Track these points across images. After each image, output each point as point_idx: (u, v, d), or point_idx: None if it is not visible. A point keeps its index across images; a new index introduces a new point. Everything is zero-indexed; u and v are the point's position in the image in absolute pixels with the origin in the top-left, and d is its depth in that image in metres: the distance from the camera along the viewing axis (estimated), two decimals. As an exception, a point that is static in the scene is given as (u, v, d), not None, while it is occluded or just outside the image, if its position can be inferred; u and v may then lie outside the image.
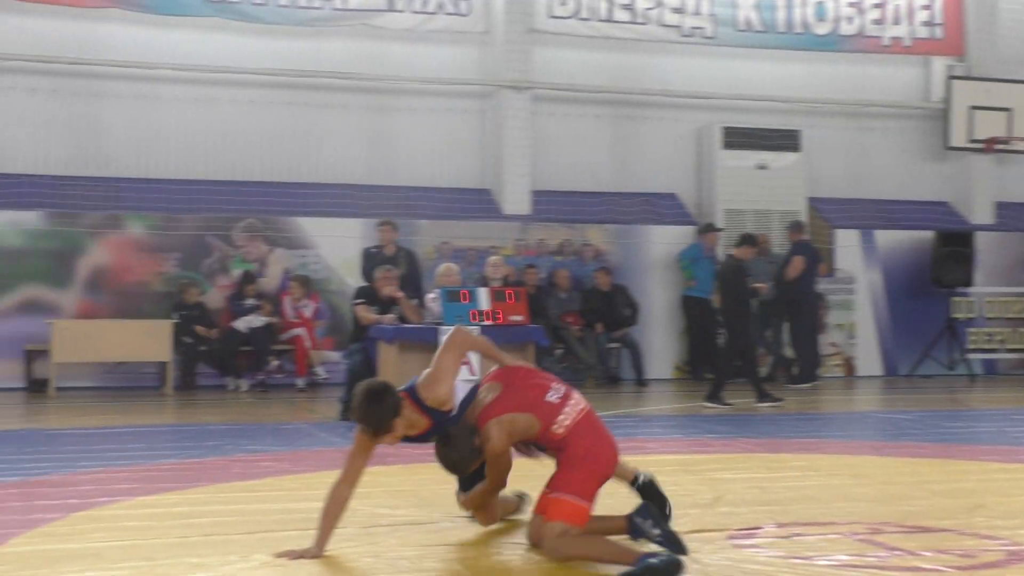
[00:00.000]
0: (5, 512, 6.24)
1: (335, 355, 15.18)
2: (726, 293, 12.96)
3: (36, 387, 14.12)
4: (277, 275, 15.41)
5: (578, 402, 5.52)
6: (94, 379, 14.49)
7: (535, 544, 5.29)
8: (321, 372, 14.85)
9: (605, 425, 5.60)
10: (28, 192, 14.90)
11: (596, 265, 16.24)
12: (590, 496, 5.31)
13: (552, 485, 5.32)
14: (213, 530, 5.83)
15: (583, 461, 5.34)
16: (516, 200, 16.75)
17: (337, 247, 15.45)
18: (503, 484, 5.69)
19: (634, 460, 8.31)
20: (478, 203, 16.77)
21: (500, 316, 11.12)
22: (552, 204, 16.99)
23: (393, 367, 10.94)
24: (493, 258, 12.77)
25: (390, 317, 11.29)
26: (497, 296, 11.25)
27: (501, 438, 5.35)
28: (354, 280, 14.55)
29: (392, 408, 5.42)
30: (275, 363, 14.77)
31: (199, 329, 14.45)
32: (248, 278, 14.92)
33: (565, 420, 5.40)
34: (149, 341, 14.04)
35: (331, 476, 7.48)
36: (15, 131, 15.28)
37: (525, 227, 16.52)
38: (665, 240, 16.78)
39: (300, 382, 14.65)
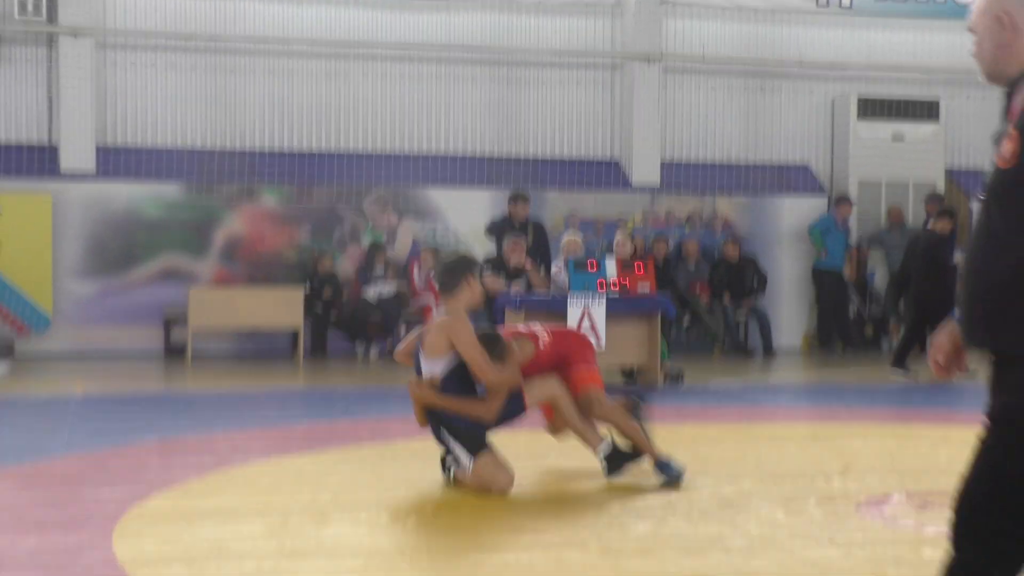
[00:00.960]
0: (145, 470, 6.46)
1: (463, 325, 15.30)
2: (924, 267, 12.50)
3: (174, 352, 14.53)
4: (406, 245, 15.58)
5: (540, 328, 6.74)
6: (229, 345, 14.85)
7: (585, 411, 6.36)
8: (449, 341, 14.98)
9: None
10: (168, 165, 15.29)
11: (725, 236, 16.09)
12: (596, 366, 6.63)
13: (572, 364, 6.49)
14: (343, 491, 5.95)
15: (581, 343, 6.73)
16: (645, 171, 16.65)
17: (465, 217, 15.56)
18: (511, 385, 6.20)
19: (761, 429, 8.26)
20: (607, 174, 16.72)
21: (628, 286, 11.10)
22: (682, 175, 16.86)
23: (520, 336, 11.01)
24: (619, 236, 12.60)
25: (517, 287, 11.33)
26: (625, 266, 11.23)
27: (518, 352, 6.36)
28: (482, 250, 14.65)
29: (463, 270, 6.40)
30: (404, 331, 14.94)
31: (331, 300, 14.69)
32: (378, 248, 15.11)
33: (542, 337, 6.57)
34: (282, 309, 14.33)
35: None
36: (156, 106, 15.68)
37: (654, 198, 16.42)
38: (796, 212, 16.54)
39: (429, 351, 14.80)
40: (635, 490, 6.04)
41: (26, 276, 14.35)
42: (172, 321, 14.66)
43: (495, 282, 11.53)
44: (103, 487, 5.96)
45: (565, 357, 6.53)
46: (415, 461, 6.81)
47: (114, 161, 15.16)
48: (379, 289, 14.85)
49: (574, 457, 7.03)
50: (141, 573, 4.37)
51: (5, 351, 12.89)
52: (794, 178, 17.17)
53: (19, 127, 15.25)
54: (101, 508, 5.46)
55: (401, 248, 15.55)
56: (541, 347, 6.49)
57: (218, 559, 4.56)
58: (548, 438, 6.91)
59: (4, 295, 14.23)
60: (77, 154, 14.92)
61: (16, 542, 4.82)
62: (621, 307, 11.03)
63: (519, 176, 16.15)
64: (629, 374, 11.73)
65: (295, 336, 14.51)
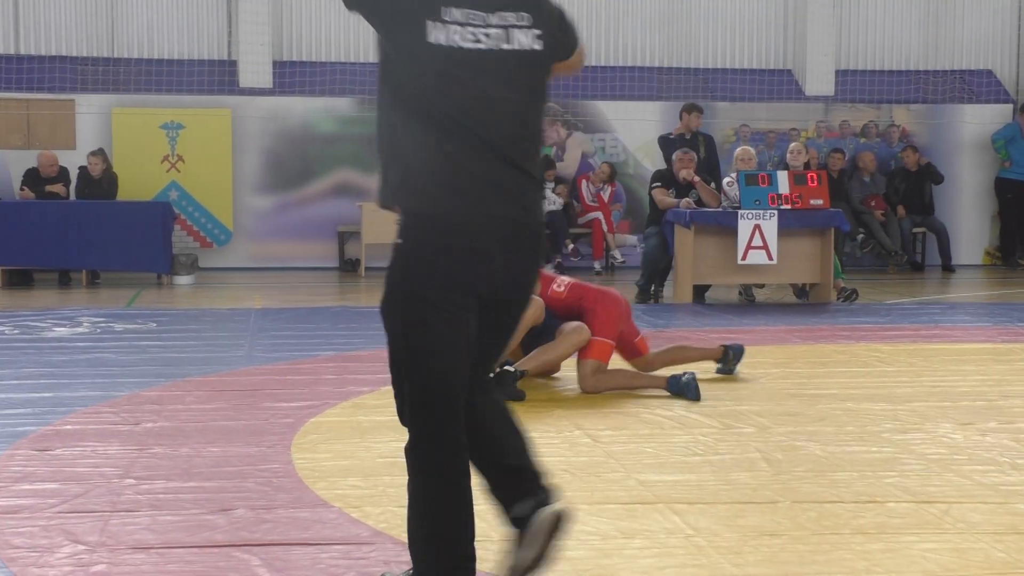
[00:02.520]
0: (322, 384, 6.64)
1: (632, 239, 15.26)
2: None
3: (348, 267, 14.85)
4: (575, 159, 15.53)
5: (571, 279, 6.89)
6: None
7: (581, 384, 6.46)
8: (618, 256, 14.95)
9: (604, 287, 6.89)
10: (341, 79, 15.51)
11: (902, 147, 15.60)
12: (612, 335, 6.56)
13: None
14: (516, 404, 6.02)
15: (599, 306, 6.60)
16: (819, 80, 16.21)
17: (635, 130, 15.42)
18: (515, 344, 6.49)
19: (939, 349, 8.05)
20: (779, 84, 16.33)
21: (800, 200, 10.87)
22: (857, 84, 16.36)
23: (689, 251, 10.92)
24: (794, 144, 12.39)
25: (687, 201, 11.21)
26: (797, 180, 10.99)
27: None
28: (652, 164, 14.51)
29: None
30: (571, 246, 14.95)
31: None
32: (548, 163, 15.10)
33: (562, 280, 6.77)
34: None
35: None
36: (330, 20, 15.88)
37: (828, 108, 15.99)
38: (979, 120, 15.92)
39: (597, 265, 14.81)
40: (804, 414, 5.97)
41: (208, 191, 14.80)
42: (346, 236, 14.96)
43: (665, 196, 11.41)
44: (281, 400, 6.16)
45: (579, 313, 6.61)
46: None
47: (289, 76, 15.45)
48: (547, 203, 14.86)
49: (733, 379, 7.00)
50: (319, 485, 4.51)
51: (190, 265, 13.37)
52: (977, 84, 16.51)
53: (200, 44, 15.62)
54: (280, 420, 5.65)
55: (570, 162, 15.51)
56: (551, 292, 6.67)
57: (392, 473, 4.67)
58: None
59: (188, 211, 14.71)
60: (255, 70, 15.24)
61: (201, 451, 5.03)
62: (793, 222, 10.82)
63: (689, 87, 15.89)
64: (801, 291, 11.53)
65: (465, 250, 14.63)
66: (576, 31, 3.52)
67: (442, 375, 3.31)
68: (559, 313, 6.66)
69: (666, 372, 6.61)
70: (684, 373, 6.45)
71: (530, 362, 6.53)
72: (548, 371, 6.83)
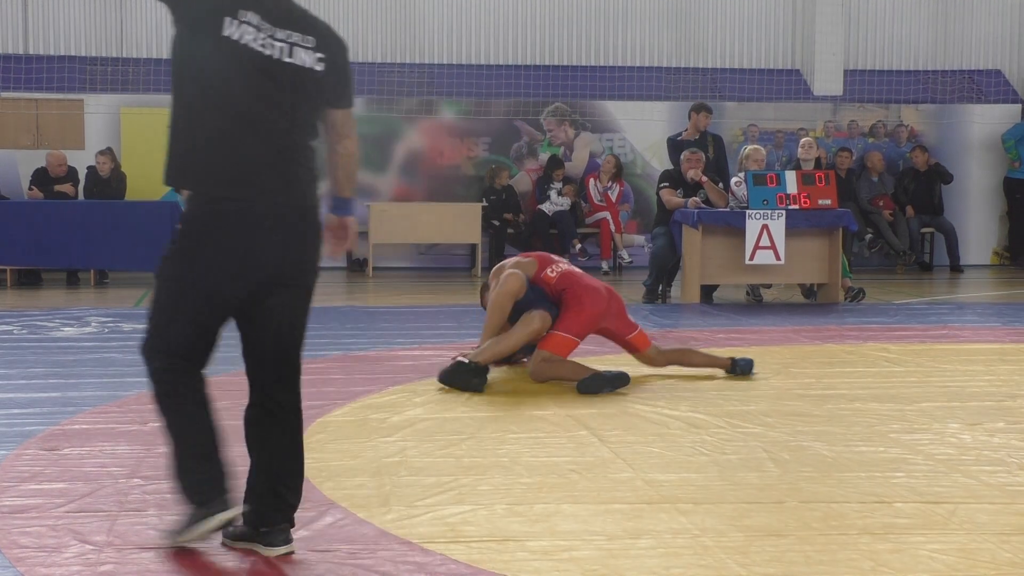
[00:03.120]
0: (328, 384, 6.65)
1: (639, 238, 15.26)
2: None
3: (356, 267, 14.86)
4: (583, 158, 15.53)
5: (571, 266, 7.02)
6: (408, 260, 15.12)
7: (529, 371, 6.69)
8: (625, 255, 14.94)
9: (598, 281, 6.96)
10: (348, 79, 15.51)
11: (911, 147, 15.57)
12: (580, 334, 6.71)
13: (553, 326, 6.70)
14: (519, 407, 6.03)
15: (576, 303, 6.70)
16: (827, 80, 16.19)
17: (643, 130, 15.42)
18: (503, 317, 6.83)
19: (947, 349, 8.04)
20: (787, 83, 16.31)
21: (808, 200, 10.86)
22: (865, 83, 16.34)
23: (697, 251, 10.91)
24: (806, 139, 12.36)
25: (695, 200, 11.20)
26: (805, 179, 10.98)
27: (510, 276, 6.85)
28: (659, 164, 14.51)
29: None
30: (579, 246, 14.95)
31: (508, 217, 14.77)
32: (556, 163, 15.10)
33: (559, 267, 6.90)
34: (460, 224, 14.49)
35: (632, 358, 7.59)
36: (337, 20, 15.88)
37: (836, 108, 15.98)
38: (987, 120, 15.89)
39: (604, 265, 14.81)
40: (811, 414, 5.97)
41: (215, 191, 14.78)
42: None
43: (672, 196, 11.41)
44: (289, 400, 6.16)
45: (560, 301, 6.79)
46: (591, 378, 6.84)
47: (296, 77, 15.46)
48: (555, 203, 14.87)
49: (740, 379, 7.00)
50: (327, 486, 4.51)
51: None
52: (985, 84, 16.48)
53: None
54: (287, 420, 5.65)
55: (578, 162, 15.52)
56: (544, 275, 6.84)
57: (398, 473, 4.68)
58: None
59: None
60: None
61: (209, 452, 5.03)
62: (801, 222, 10.82)
63: (697, 87, 15.90)
64: (808, 291, 11.52)
65: (473, 251, 14.67)
66: (353, 86, 4.04)
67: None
68: (549, 296, 6.83)
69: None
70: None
71: (484, 354, 6.65)
72: (506, 358, 6.96)
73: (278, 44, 3.73)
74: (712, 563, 3.65)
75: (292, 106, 3.77)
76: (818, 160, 12.42)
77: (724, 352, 7.40)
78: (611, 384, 6.46)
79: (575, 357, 6.78)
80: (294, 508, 3.82)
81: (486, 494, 4.39)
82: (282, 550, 3.74)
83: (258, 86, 3.69)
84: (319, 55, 3.80)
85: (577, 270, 7.06)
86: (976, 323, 9.85)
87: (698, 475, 4.69)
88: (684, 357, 7.16)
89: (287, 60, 3.74)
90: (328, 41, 3.85)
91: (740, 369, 7.04)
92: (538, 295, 6.83)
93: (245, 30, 3.67)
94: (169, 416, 3.94)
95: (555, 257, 7.18)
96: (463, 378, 6.46)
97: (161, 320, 3.86)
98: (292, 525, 3.81)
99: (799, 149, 12.31)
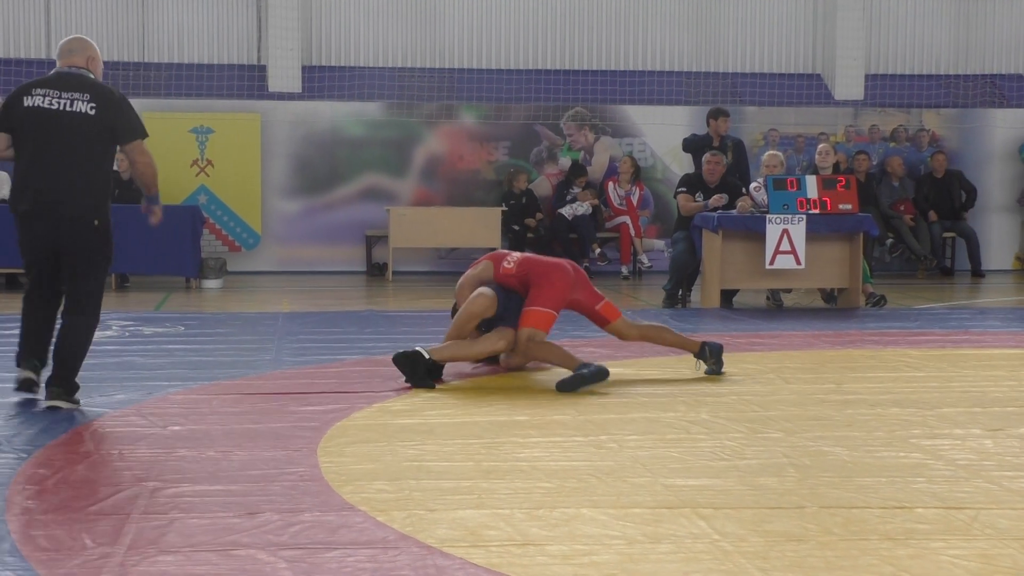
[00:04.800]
0: (348, 387, 6.65)
1: (659, 243, 15.24)
2: None
3: (376, 271, 14.89)
4: (603, 163, 15.52)
5: (524, 254, 7.25)
6: (428, 264, 15.13)
7: (517, 351, 6.92)
8: (645, 260, 14.93)
9: (558, 259, 7.24)
10: (370, 84, 15.56)
11: (932, 151, 15.51)
12: (555, 306, 6.89)
13: (525, 302, 6.88)
14: (539, 411, 6.03)
15: (543, 279, 6.87)
16: (848, 84, 16.15)
17: (663, 135, 15.40)
18: (463, 334, 7.05)
19: (968, 354, 8.00)
20: (808, 88, 16.28)
21: (829, 204, 10.83)
22: (887, 88, 16.29)
23: (717, 255, 10.89)
24: (823, 145, 12.32)
25: (719, 197, 11.12)
26: (826, 184, 10.95)
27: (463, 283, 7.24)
28: (679, 168, 14.49)
29: None
30: (598, 251, 14.94)
31: (528, 221, 14.77)
32: (579, 170, 15.09)
33: (513, 256, 7.09)
34: (480, 228, 14.50)
35: (654, 363, 7.58)
36: (359, 25, 15.93)
37: (857, 112, 15.93)
38: (1010, 124, 15.82)
39: (624, 270, 14.79)
40: (832, 419, 5.94)
41: (237, 195, 14.87)
42: (373, 240, 15.00)
43: (689, 202, 11.39)
44: (308, 404, 6.18)
45: (527, 284, 6.95)
46: (610, 382, 6.84)
47: (319, 80, 15.51)
48: (575, 207, 14.86)
49: (760, 384, 6.98)
50: (345, 489, 4.51)
51: (219, 269, 13.42)
52: (1008, 88, 16.41)
53: (230, 48, 15.71)
54: (306, 424, 5.66)
55: (598, 166, 15.51)
56: (502, 270, 7.03)
57: (418, 477, 4.68)
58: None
59: (217, 215, 14.78)
60: (284, 74, 15.32)
61: (228, 454, 5.04)
62: (821, 226, 10.78)
63: (717, 91, 15.88)
64: (829, 296, 11.48)
65: (492, 254, 14.64)
66: (136, 121, 6.54)
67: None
68: (516, 288, 7.00)
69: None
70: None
71: (443, 352, 6.85)
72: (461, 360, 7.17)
73: (63, 100, 6.25)
74: (732, 568, 3.64)
75: (76, 141, 6.26)
76: (837, 165, 12.37)
77: (738, 358, 7.38)
78: (590, 382, 6.55)
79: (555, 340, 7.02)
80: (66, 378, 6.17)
81: (506, 498, 4.38)
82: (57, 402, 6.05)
83: (53, 129, 6.25)
84: (92, 104, 6.25)
85: (534, 255, 7.31)
86: (998, 328, 9.80)
87: (718, 480, 4.67)
88: (655, 334, 7.28)
89: (69, 109, 6.23)
90: (101, 95, 6.31)
91: (709, 352, 7.10)
92: (511, 305, 6.93)
93: (37, 98, 6.27)
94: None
95: (505, 251, 7.38)
96: (418, 372, 6.64)
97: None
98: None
99: (816, 156, 12.26)
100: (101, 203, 6.22)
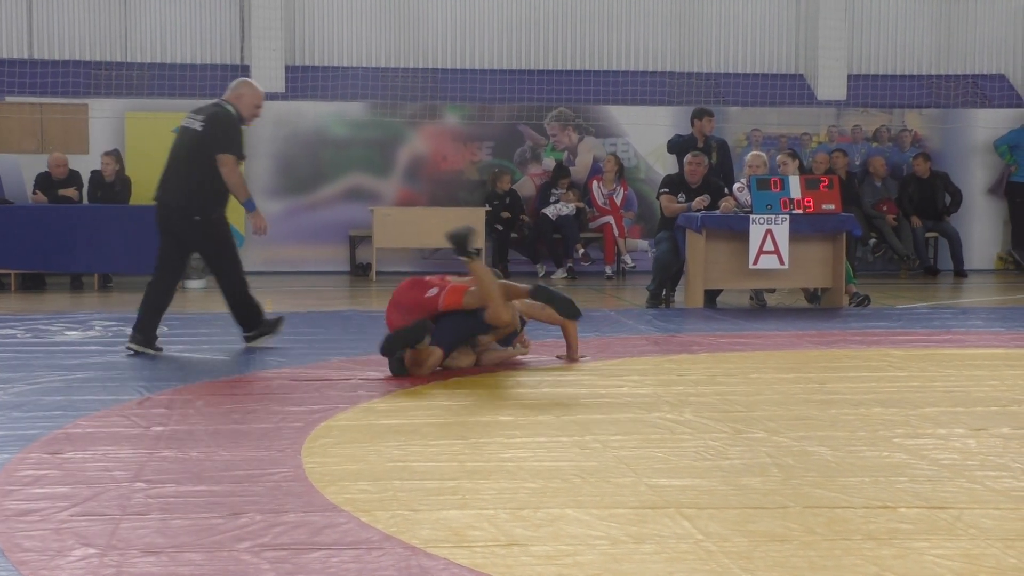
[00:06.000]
0: (331, 388, 6.65)
1: (643, 243, 15.26)
2: None
3: (359, 271, 14.87)
4: (587, 163, 15.54)
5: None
6: (412, 264, 15.11)
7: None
8: (628, 260, 14.95)
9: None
10: (353, 84, 15.53)
11: (914, 151, 15.57)
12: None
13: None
14: (523, 411, 6.03)
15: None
16: (831, 85, 16.20)
17: (646, 135, 15.42)
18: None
19: (951, 354, 8.03)
20: (791, 88, 16.32)
21: (812, 205, 10.86)
22: (869, 88, 16.35)
23: (700, 255, 10.91)
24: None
25: (702, 199, 11.13)
26: (809, 184, 10.98)
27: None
28: (663, 168, 14.52)
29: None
30: (582, 251, 14.95)
31: (505, 214, 14.76)
32: (562, 171, 15.09)
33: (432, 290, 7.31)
34: (464, 228, 14.45)
35: (638, 363, 7.59)
36: (342, 25, 15.91)
37: (840, 113, 15.98)
38: (991, 124, 15.89)
39: (608, 270, 14.81)
40: (815, 419, 5.96)
41: (219, 195, 14.80)
42: (357, 240, 14.98)
43: (671, 203, 11.40)
44: (291, 404, 6.17)
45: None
46: (593, 383, 6.84)
47: (302, 80, 15.49)
48: (558, 208, 14.88)
49: (744, 384, 6.99)
50: (329, 489, 4.50)
51: (202, 270, 13.36)
52: (989, 89, 16.50)
53: (213, 48, 15.67)
54: (290, 424, 5.65)
55: (581, 166, 15.52)
56: (427, 298, 7.25)
57: (402, 478, 4.68)
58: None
59: (198, 214, 14.72)
60: (267, 74, 15.29)
61: (211, 455, 5.03)
62: (805, 226, 10.81)
63: (700, 92, 15.91)
64: (812, 296, 11.52)
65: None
66: (228, 139, 7.95)
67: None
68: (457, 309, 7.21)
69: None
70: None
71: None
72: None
73: (192, 120, 8.08)
74: (716, 568, 3.64)
75: (189, 149, 8.09)
76: (801, 168, 12.14)
77: (725, 356, 7.37)
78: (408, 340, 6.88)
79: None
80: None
81: (490, 498, 4.38)
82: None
83: (178, 139, 8.03)
84: (202, 122, 8.01)
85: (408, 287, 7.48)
86: (981, 328, 9.85)
87: (702, 480, 4.68)
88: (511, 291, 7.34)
89: (188, 125, 8.08)
90: (209, 115, 8.01)
91: (542, 294, 7.25)
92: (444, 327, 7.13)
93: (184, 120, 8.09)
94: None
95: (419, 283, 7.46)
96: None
97: None
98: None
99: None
100: (202, 200, 7.95)
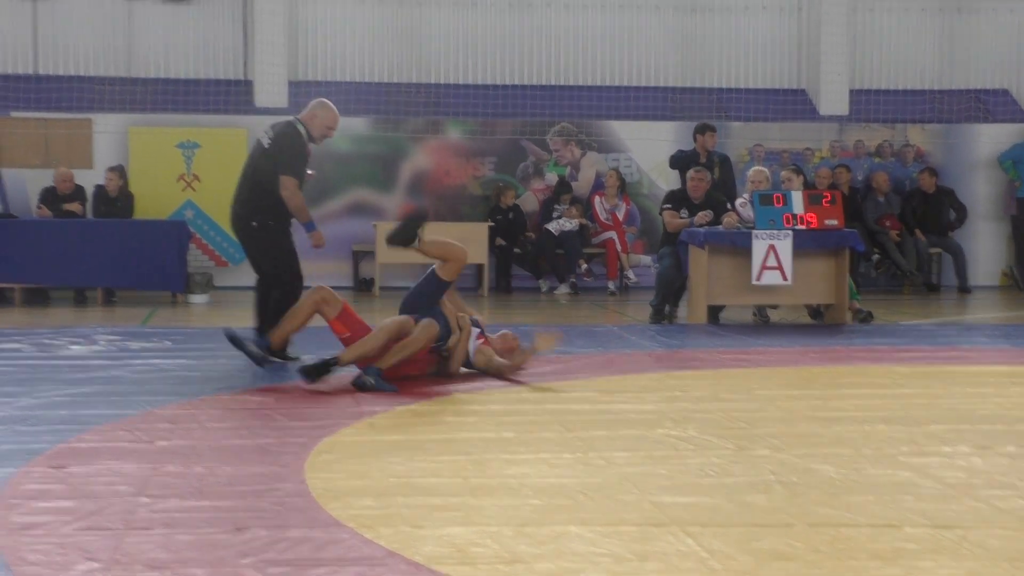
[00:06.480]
0: (335, 405, 6.64)
1: (646, 259, 15.26)
2: None
3: (363, 286, 14.86)
4: (589, 179, 15.55)
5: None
6: (415, 279, 15.04)
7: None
8: (631, 276, 14.95)
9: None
10: (356, 99, 15.55)
11: (917, 167, 15.58)
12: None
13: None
14: (526, 428, 6.02)
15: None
16: (833, 100, 16.22)
17: (649, 150, 15.43)
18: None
19: (956, 371, 8.02)
20: (793, 104, 16.34)
21: (814, 220, 10.86)
22: (871, 103, 16.36)
23: (703, 271, 10.90)
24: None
25: (704, 214, 11.12)
26: (812, 200, 10.98)
27: None
28: (666, 183, 14.52)
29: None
30: (585, 267, 14.96)
31: (528, 233, 14.78)
32: (565, 187, 15.10)
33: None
34: (466, 244, 14.36)
35: (641, 379, 7.59)
36: (345, 41, 15.94)
37: (842, 128, 15.99)
38: (995, 139, 15.90)
39: (611, 285, 14.81)
40: (819, 436, 5.95)
41: (223, 210, 14.76)
42: (360, 255, 14.98)
43: (674, 218, 11.40)
44: (295, 419, 6.16)
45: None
46: (597, 399, 6.83)
47: (305, 95, 15.50)
48: (561, 223, 14.88)
49: (747, 401, 6.98)
50: (332, 505, 4.50)
51: (205, 284, 13.39)
52: (992, 104, 16.51)
53: (216, 63, 15.70)
54: (293, 440, 5.65)
55: (584, 181, 15.53)
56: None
57: (405, 494, 4.67)
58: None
59: (203, 230, 14.74)
60: (270, 89, 15.32)
61: (215, 470, 5.03)
62: (808, 242, 10.81)
63: (703, 107, 15.93)
64: (816, 312, 11.51)
65: (480, 271, 14.68)
66: (287, 159, 8.34)
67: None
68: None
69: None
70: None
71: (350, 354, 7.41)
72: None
73: (263, 135, 8.44)
74: (721, 586, 3.63)
75: (257, 164, 8.55)
76: (804, 184, 12.15)
77: (729, 371, 7.37)
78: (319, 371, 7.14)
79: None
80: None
81: (494, 515, 4.38)
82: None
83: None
84: (269, 138, 8.40)
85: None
86: (985, 345, 9.83)
87: (705, 497, 4.67)
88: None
89: (259, 139, 8.49)
90: (275, 131, 8.42)
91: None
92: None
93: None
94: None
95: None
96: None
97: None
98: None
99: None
100: (260, 210, 8.35)
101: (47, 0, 15.44)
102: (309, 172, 8.61)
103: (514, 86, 16.15)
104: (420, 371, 7.58)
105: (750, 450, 5.53)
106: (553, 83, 16.27)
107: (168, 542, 4.00)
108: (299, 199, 8.33)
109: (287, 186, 8.23)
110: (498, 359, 7.61)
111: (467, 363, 7.69)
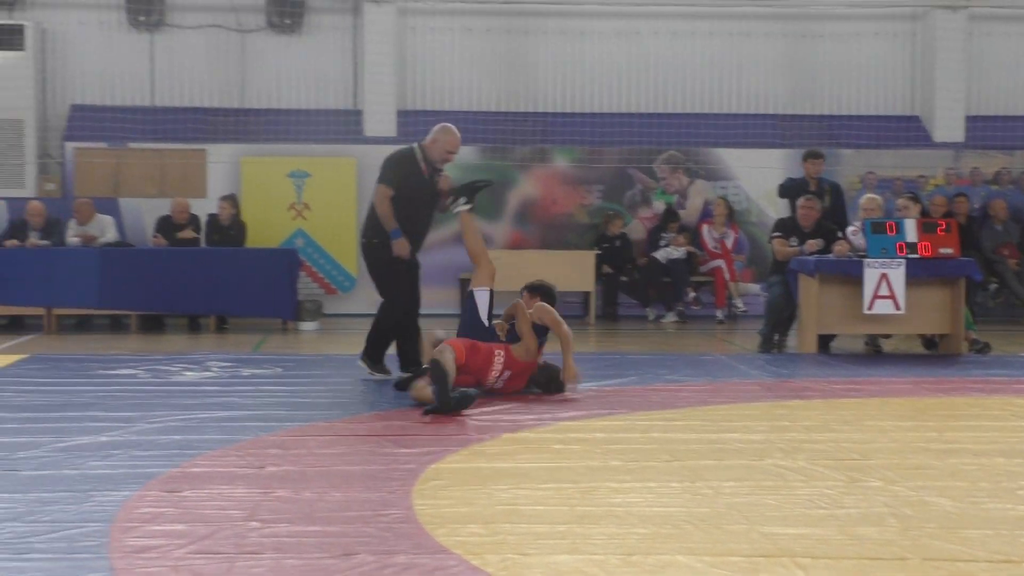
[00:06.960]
0: (442, 432, 6.67)
1: (755, 287, 15.09)
2: None
3: (470, 313, 14.91)
4: (697, 206, 15.45)
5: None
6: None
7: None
8: (740, 304, 14.79)
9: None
10: (464, 128, 15.62)
11: (1037, 194, 15.21)
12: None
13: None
14: (633, 456, 5.98)
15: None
16: (948, 126, 15.91)
17: (758, 178, 15.29)
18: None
19: (1076, 403, 7.77)
20: (906, 130, 16.07)
21: (929, 249, 10.65)
22: (988, 129, 16.02)
23: (814, 300, 10.75)
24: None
25: (815, 242, 10.98)
26: (926, 228, 10.77)
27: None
28: (775, 211, 14.37)
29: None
30: (692, 295, 14.85)
31: (641, 261, 14.75)
32: (672, 214, 15.04)
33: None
34: (573, 271, 14.48)
35: (750, 408, 7.50)
36: (453, 70, 16.10)
37: (958, 155, 15.68)
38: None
39: (719, 314, 14.67)
40: (934, 468, 5.81)
41: (332, 238, 15.04)
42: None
43: (783, 247, 11.27)
44: (403, 446, 6.20)
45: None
46: (705, 428, 6.77)
47: (413, 125, 15.66)
48: (669, 251, 14.80)
49: (860, 432, 6.86)
50: (439, 532, 4.51)
51: (315, 312, 13.57)
52: (1115, 129, 16.08)
53: (326, 94, 15.95)
54: (401, 466, 5.68)
55: (692, 209, 15.44)
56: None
57: (512, 521, 4.67)
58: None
59: (313, 258, 14.95)
60: (380, 118, 15.51)
61: (324, 495, 5.08)
62: (921, 271, 10.60)
63: (813, 134, 15.75)
64: (930, 342, 11.27)
65: (586, 299, 14.65)
66: (384, 170, 8.90)
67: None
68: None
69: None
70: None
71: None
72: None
73: None
74: (832, 620, 3.56)
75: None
76: (922, 213, 11.95)
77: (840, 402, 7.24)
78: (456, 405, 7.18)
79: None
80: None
81: (600, 544, 4.35)
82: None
83: None
84: None
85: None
86: (1107, 376, 9.54)
87: (816, 529, 4.59)
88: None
89: None
90: None
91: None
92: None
93: None
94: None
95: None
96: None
97: None
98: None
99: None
100: (377, 228, 8.79)
101: (163, 34, 15.84)
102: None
103: (621, 114, 16.15)
104: (521, 385, 8.14)
105: (862, 482, 5.42)
106: (660, 111, 16.22)
107: (278, 566, 4.05)
108: (385, 206, 8.70)
109: (377, 192, 8.75)
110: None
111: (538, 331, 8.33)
